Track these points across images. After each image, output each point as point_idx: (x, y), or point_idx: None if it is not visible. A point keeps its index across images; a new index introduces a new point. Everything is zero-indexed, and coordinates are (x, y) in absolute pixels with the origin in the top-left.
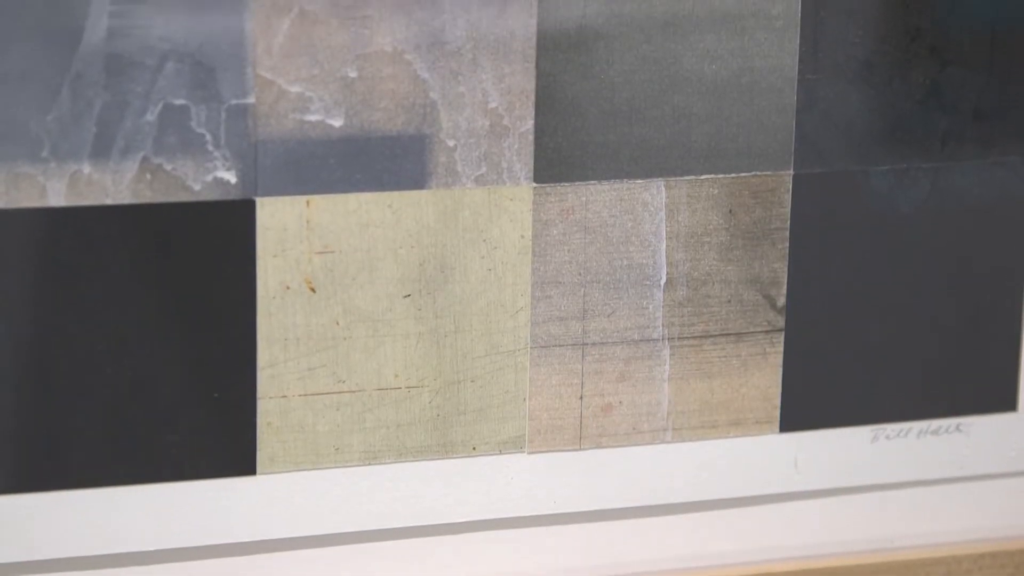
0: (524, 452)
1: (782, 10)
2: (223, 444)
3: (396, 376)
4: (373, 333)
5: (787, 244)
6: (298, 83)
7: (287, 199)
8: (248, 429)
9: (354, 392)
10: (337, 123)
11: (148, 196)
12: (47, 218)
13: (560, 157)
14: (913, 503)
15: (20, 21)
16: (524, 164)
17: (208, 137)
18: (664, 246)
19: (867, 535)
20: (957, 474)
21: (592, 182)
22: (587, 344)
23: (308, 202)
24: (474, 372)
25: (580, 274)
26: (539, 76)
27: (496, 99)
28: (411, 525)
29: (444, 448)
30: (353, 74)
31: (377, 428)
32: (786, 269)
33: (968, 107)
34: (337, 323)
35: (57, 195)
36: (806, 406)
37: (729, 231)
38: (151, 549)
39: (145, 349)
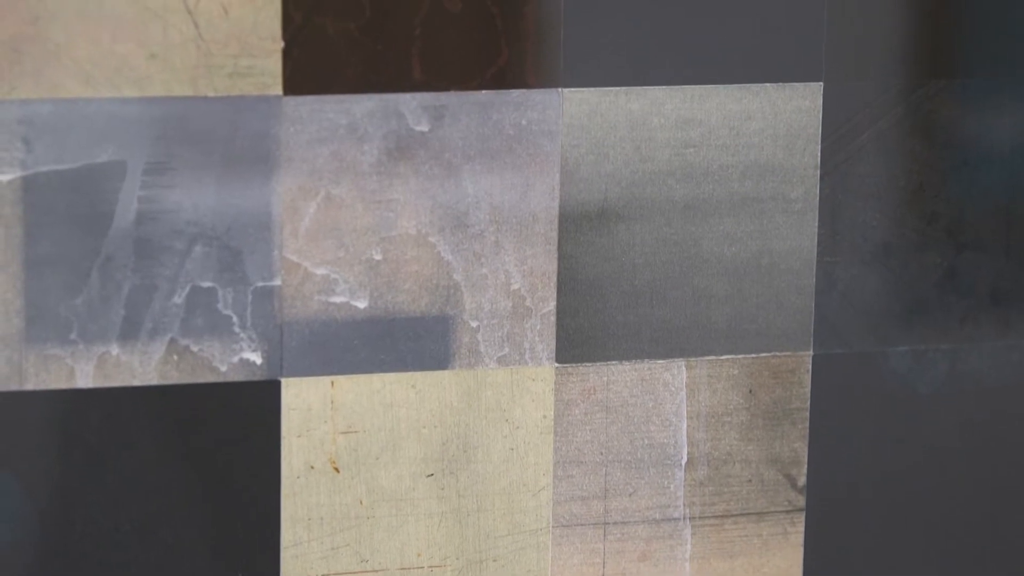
0: None
1: (800, 193)
2: None
3: (419, 555)
4: (396, 512)
5: (807, 424)
6: (324, 265)
7: (312, 380)
8: None
9: (377, 572)
10: (362, 304)
11: (175, 377)
12: (75, 399)
13: (582, 338)
14: None
15: (51, 206)
16: (546, 345)
17: (235, 319)
18: (685, 426)
19: None
20: None
21: (613, 362)
22: (609, 523)
23: (333, 382)
24: (496, 551)
25: (601, 453)
26: (561, 258)
27: (519, 280)
28: None
29: None
30: (378, 256)
31: None
32: (806, 449)
33: (985, 290)
34: (361, 502)
35: (85, 377)
36: None
37: (749, 411)
38: None
39: (170, 528)
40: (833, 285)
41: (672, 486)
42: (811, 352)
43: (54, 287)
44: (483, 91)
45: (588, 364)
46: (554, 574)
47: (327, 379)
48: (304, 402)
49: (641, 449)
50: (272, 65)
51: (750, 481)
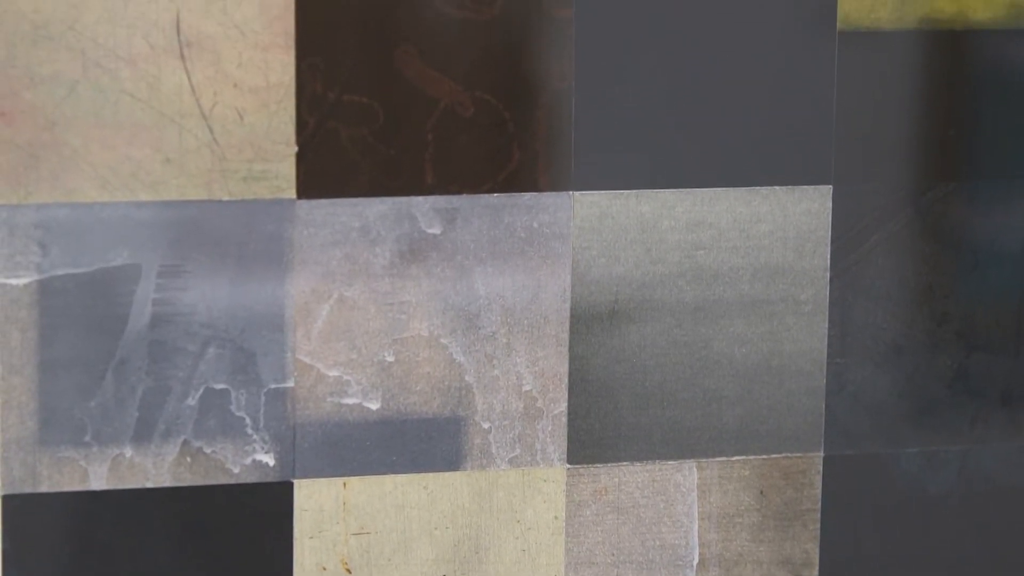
0: None
1: (811, 295)
2: None
3: None
4: None
5: (818, 525)
6: (336, 367)
7: (324, 481)
8: None
9: None
10: (374, 406)
11: (188, 479)
12: (88, 501)
13: (593, 439)
14: None
15: (67, 309)
16: (557, 446)
17: (248, 420)
18: (696, 527)
19: None
20: None
21: (625, 463)
22: None
23: (345, 484)
24: None
25: (613, 554)
26: (572, 359)
27: (530, 382)
28: None
29: None
30: (390, 358)
31: None
32: (817, 550)
33: (995, 391)
34: None
35: (99, 479)
36: None
37: (760, 512)
38: None
39: None
40: (843, 386)
41: None
42: (822, 453)
43: (69, 390)
44: (495, 194)
45: (599, 465)
46: None
47: (339, 480)
48: (316, 503)
49: (652, 550)
50: (286, 169)
51: None
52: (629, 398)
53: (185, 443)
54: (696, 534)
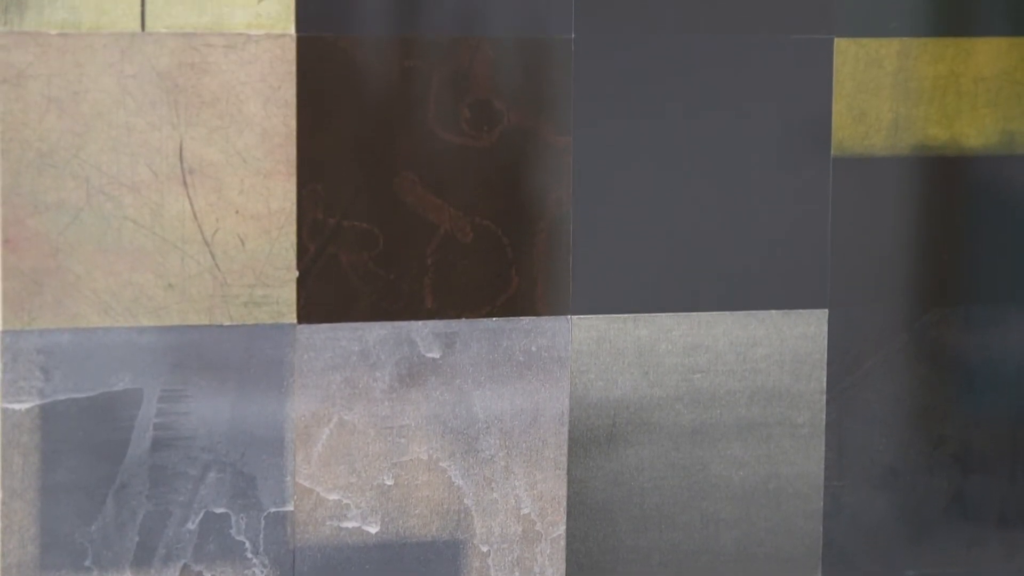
0: None
1: (807, 418)
2: None
3: None
4: None
5: None
6: (336, 491)
7: None
8: None
9: None
10: (373, 530)
11: None
12: None
13: (591, 562)
14: None
15: (68, 434)
16: (556, 569)
17: (248, 544)
18: None
19: None
20: None
21: None
22: None
23: None
24: None
25: None
26: (571, 482)
27: (529, 505)
28: None
29: None
30: (389, 482)
31: None
32: None
33: (992, 514)
34: None
35: None
36: None
37: None
38: None
39: None
40: (841, 509)
41: None
42: None
43: (69, 514)
44: (493, 318)
45: None
46: None
47: None
48: None
49: None
50: (287, 294)
51: None
52: (627, 521)
53: (185, 567)
54: None
